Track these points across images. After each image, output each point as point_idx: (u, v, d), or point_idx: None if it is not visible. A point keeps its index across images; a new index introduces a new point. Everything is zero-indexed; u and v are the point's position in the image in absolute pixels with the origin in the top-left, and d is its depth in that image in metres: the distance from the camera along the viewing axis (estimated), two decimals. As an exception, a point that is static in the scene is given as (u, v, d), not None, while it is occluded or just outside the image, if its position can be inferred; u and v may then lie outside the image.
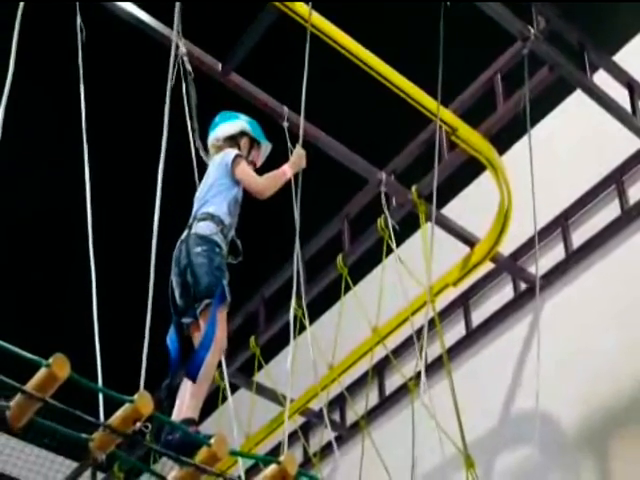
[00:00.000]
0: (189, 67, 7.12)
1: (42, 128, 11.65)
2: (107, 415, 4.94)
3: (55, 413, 4.86)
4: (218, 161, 6.30)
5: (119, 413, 4.74)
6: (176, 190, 6.02)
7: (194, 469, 4.95)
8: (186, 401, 5.49)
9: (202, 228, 5.91)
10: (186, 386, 5.55)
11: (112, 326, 6.06)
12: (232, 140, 6.47)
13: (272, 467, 5.28)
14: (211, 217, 5.96)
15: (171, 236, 5.95)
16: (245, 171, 6.21)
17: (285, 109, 8.34)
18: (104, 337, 5.55)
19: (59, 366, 4.63)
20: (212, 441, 4.89)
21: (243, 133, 6.50)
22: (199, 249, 5.79)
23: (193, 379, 5.44)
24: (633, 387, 8.76)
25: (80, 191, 6.01)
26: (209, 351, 5.46)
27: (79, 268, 5.78)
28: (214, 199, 6.07)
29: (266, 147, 6.64)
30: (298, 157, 6.43)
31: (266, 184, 6.24)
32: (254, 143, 6.55)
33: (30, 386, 4.66)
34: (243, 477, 5.56)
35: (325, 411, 8.47)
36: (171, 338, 5.79)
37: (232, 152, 6.29)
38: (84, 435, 4.76)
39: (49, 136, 11.52)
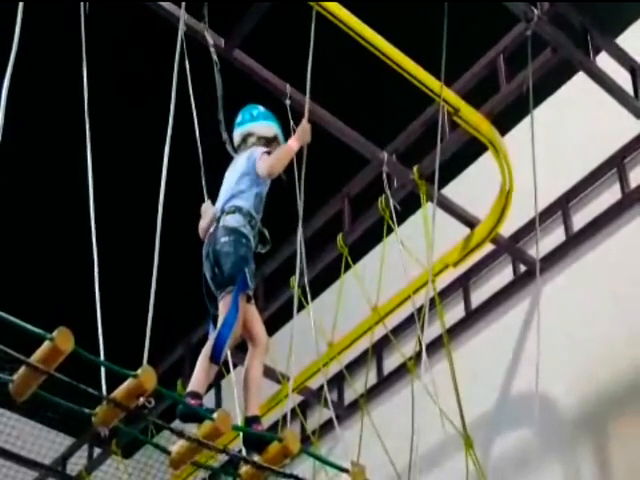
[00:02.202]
0: (215, 57, 7.24)
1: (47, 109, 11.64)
2: (110, 392, 4.95)
3: (58, 387, 4.88)
4: (247, 156, 6.39)
5: (123, 387, 4.76)
6: (180, 167, 6.05)
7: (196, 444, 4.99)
8: (196, 376, 5.62)
9: (230, 221, 6.05)
10: (200, 362, 5.68)
11: (116, 303, 6.08)
12: (266, 140, 6.54)
13: (274, 444, 5.32)
14: (239, 210, 6.09)
15: (175, 210, 5.97)
16: (260, 162, 6.29)
17: (288, 87, 8.33)
18: (107, 313, 5.55)
19: (63, 340, 4.65)
20: (215, 416, 4.93)
21: (276, 137, 6.60)
22: (225, 239, 5.94)
23: (216, 362, 5.61)
24: (631, 370, 8.78)
25: (85, 166, 6.00)
26: (230, 333, 5.62)
27: (83, 243, 5.76)
28: (242, 193, 6.18)
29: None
30: (303, 131, 6.45)
31: (272, 164, 6.28)
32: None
33: (34, 359, 4.68)
34: (244, 453, 5.58)
35: (325, 388, 8.47)
36: (212, 333, 5.90)
37: (260, 149, 6.39)
38: (87, 410, 4.78)
39: (55, 112, 11.49)
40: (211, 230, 6.09)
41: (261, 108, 6.70)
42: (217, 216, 6.13)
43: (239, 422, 5.73)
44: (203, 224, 6.32)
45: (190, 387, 5.56)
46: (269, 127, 6.60)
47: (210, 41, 7.56)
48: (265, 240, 6.23)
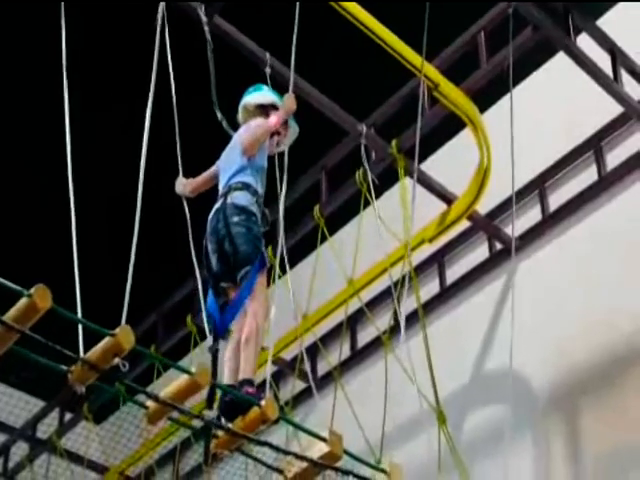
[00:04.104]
0: (209, 37, 7.25)
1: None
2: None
3: (34, 346, 4.86)
4: (245, 128, 6.43)
5: (100, 346, 4.75)
6: (162, 133, 6.04)
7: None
8: (241, 365, 5.71)
9: (239, 198, 6.05)
10: (233, 350, 5.81)
11: (95, 262, 6.05)
12: (262, 109, 6.54)
13: (253, 410, 5.33)
14: (247, 187, 6.11)
15: (156, 170, 5.96)
16: (244, 134, 6.33)
17: (267, 55, 8.30)
18: (85, 276, 5.53)
19: (41, 296, 4.63)
20: (194, 370, 4.95)
21: (274, 106, 6.57)
22: (237, 219, 5.95)
23: (222, 335, 5.72)
24: (603, 348, 8.84)
25: (63, 125, 5.97)
26: (238, 311, 5.75)
27: (62, 202, 5.72)
28: (246, 169, 6.19)
29: (294, 129, 6.70)
30: (287, 102, 6.44)
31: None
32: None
33: (10, 316, 4.65)
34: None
35: (302, 358, 8.47)
36: (211, 305, 5.98)
37: (254, 121, 6.43)
38: (64, 367, 4.77)
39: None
40: (218, 205, 6.10)
41: (263, 86, 6.76)
42: (223, 192, 6.14)
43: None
44: (187, 186, 6.45)
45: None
46: (264, 95, 6.63)
47: (204, 19, 7.56)
48: (266, 220, 6.25)
